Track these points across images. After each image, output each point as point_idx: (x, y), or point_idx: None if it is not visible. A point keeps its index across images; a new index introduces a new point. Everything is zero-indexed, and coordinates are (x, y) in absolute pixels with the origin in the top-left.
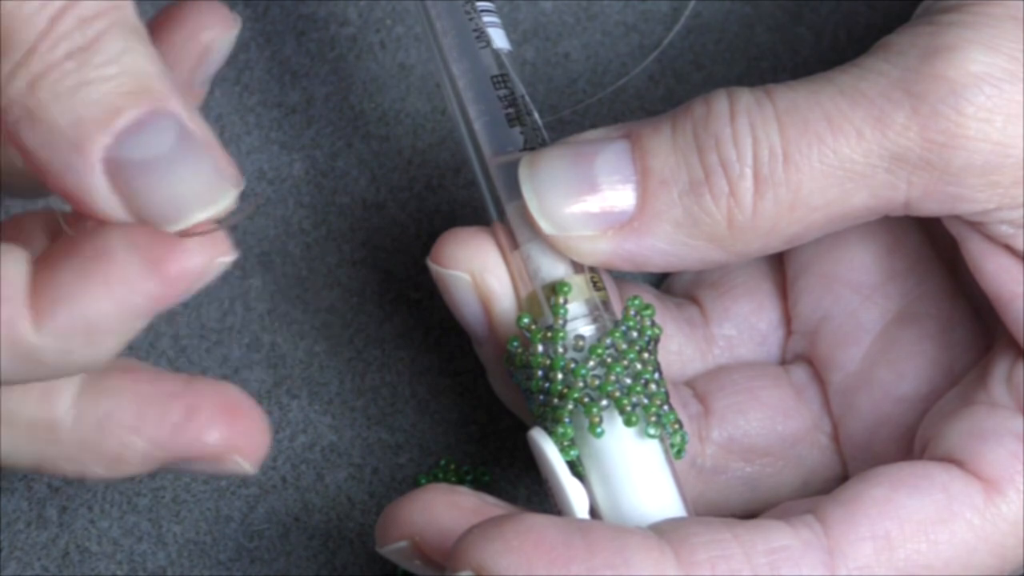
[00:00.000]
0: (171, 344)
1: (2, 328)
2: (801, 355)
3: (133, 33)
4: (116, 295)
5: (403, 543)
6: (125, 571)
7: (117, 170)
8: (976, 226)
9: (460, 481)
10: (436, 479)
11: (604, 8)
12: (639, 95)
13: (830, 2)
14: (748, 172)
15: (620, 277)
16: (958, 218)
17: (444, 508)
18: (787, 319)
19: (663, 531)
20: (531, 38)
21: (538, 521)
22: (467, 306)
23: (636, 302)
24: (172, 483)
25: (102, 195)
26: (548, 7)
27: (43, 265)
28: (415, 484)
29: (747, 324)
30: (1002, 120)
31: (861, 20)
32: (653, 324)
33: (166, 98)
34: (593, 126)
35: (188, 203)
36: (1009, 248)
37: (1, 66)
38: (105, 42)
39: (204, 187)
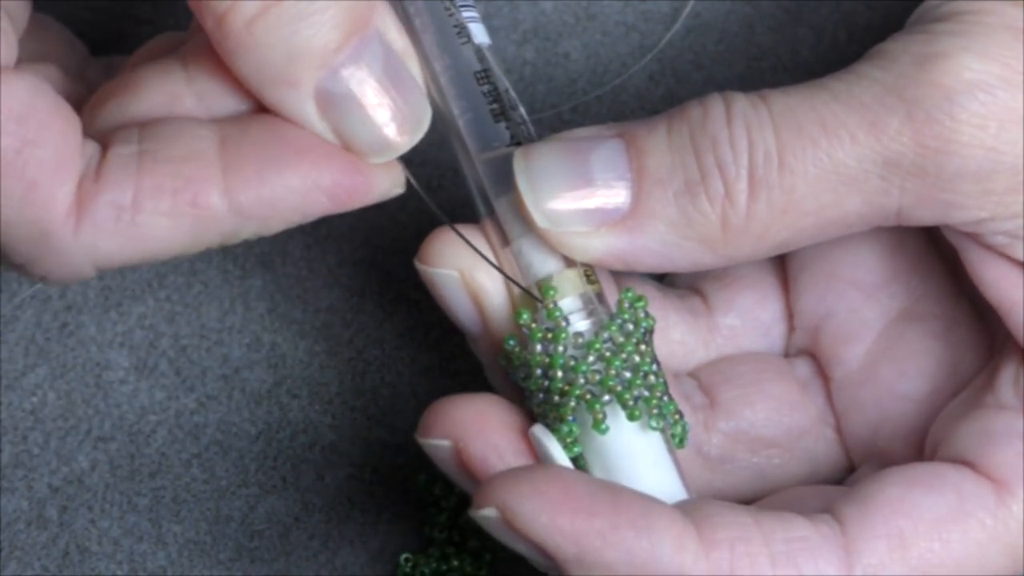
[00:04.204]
0: (171, 344)
1: (196, 200)
2: (804, 350)
3: None
4: (303, 186)
5: (445, 442)
6: (125, 571)
7: (326, 102)
8: (972, 236)
9: None
10: (436, 479)
11: (604, 8)
12: (639, 95)
13: (830, 2)
14: (744, 174)
15: (620, 273)
16: (952, 228)
17: (496, 426)
18: (790, 313)
19: (685, 510)
20: (531, 38)
21: (570, 474)
22: (459, 304)
23: (629, 294)
24: (172, 483)
25: (313, 122)
26: (548, 7)
27: (231, 145)
28: (415, 484)
29: (751, 315)
30: (996, 126)
31: (861, 20)
32: (647, 315)
33: (373, 34)
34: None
35: (384, 136)
36: (1007, 256)
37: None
38: None
39: (398, 124)
